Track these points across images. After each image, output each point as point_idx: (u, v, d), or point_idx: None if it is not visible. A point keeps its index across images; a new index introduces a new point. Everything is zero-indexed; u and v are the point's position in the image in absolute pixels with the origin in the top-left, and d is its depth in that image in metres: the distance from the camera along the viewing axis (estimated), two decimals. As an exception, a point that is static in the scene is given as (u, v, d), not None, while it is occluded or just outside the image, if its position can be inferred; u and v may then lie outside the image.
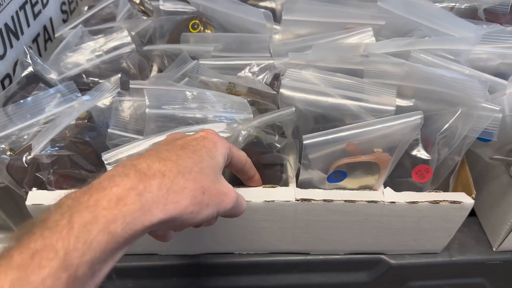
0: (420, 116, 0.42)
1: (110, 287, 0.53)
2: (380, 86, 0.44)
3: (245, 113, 0.45)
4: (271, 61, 0.51)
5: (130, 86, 0.43)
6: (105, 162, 0.38)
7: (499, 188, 0.51)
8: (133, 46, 0.52)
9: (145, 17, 0.62)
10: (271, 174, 0.46)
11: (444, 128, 0.45)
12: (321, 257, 0.53)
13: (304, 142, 0.42)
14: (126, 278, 0.53)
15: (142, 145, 0.38)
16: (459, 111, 0.44)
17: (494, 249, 0.53)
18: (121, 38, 0.51)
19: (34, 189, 0.45)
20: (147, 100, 0.40)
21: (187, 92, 0.42)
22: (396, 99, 0.44)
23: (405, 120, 0.42)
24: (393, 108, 0.43)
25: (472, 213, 0.57)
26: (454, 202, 0.45)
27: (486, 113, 0.43)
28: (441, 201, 0.45)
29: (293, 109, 0.44)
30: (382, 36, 0.54)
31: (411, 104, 0.45)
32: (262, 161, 0.45)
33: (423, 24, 0.50)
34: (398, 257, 0.53)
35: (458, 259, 0.53)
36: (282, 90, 0.45)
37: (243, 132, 0.43)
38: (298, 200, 0.45)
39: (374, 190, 0.46)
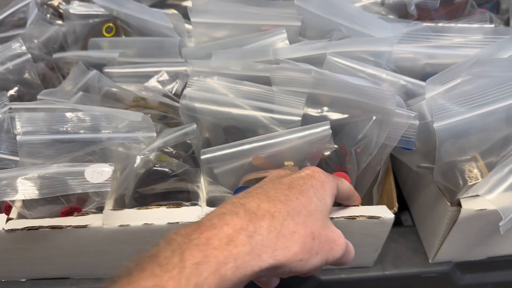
0: (327, 127, 0.39)
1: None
2: (288, 95, 0.41)
3: (147, 131, 0.41)
4: (183, 68, 0.47)
5: (12, 107, 0.39)
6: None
7: (430, 198, 0.48)
8: (29, 56, 0.48)
9: (60, 22, 0.58)
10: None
11: (360, 136, 0.42)
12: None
13: (202, 157, 0.38)
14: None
15: (9, 173, 0.34)
16: (373, 118, 0.40)
17: (430, 261, 0.50)
18: (15, 48, 0.47)
19: None
20: (18, 126, 0.36)
21: (72, 113, 0.38)
22: (303, 108, 0.40)
23: (313, 131, 0.39)
24: (299, 118, 0.40)
25: (412, 222, 0.55)
26: (372, 217, 0.42)
27: (402, 120, 0.40)
28: (357, 216, 0.41)
29: (195, 126, 0.41)
30: (307, 37, 0.51)
31: (324, 112, 0.42)
32: (164, 189, 0.41)
33: (342, 24, 0.46)
34: (328, 272, 0.50)
35: (391, 273, 0.50)
36: (183, 102, 0.41)
37: (139, 157, 0.39)
38: (205, 221, 0.41)
39: (289, 205, 0.43)
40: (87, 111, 0.39)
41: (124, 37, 0.53)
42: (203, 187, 0.44)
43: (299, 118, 0.39)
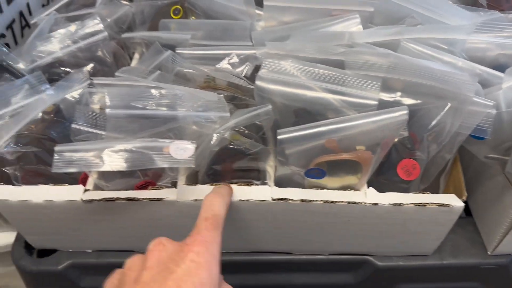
0: (405, 112, 0.39)
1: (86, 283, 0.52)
2: (363, 79, 0.41)
3: (221, 111, 0.42)
4: (252, 51, 0.48)
5: (94, 81, 0.41)
6: (55, 155, 0.35)
7: (495, 189, 0.47)
8: (106, 34, 0.49)
9: (126, 2, 0.59)
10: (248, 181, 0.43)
11: (433, 123, 0.41)
12: (304, 257, 0.51)
13: (278, 137, 0.39)
14: (102, 275, 0.51)
15: (97, 144, 0.36)
16: (448, 106, 0.40)
17: (489, 253, 0.50)
18: (93, 26, 0.49)
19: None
20: (107, 100, 0.37)
21: (154, 90, 0.39)
22: (379, 92, 0.40)
23: (389, 116, 0.39)
24: (376, 102, 0.40)
25: (468, 213, 0.54)
26: (442, 205, 0.42)
27: (478, 109, 0.40)
28: (427, 203, 0.42)
29: (270, 107, 0.41)
30: (375, 23, 0.51)
31: (397, 98, 0.42)
32: (237, 167, 0.42)
33: (415, 11, 0.46)
34: (385, 258, 0.50)
35: (449, 263, 0.50)
36: (257, 82, 0.42)
37: (215, 136, 0.40)
38: (274, 200, 0.42)
39: (357, 190, 0.44)
40: (169, 88, 0.40)
41: (192, 19, 0.54)
42: (273, 167, 0.45)
43: (376, 102, 0.39)
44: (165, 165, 0.36)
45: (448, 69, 0.38)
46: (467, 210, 0.55)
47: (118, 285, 0.31)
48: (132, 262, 0.33)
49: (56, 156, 0.36)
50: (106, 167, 0.36)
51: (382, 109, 0.40)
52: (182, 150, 0.36)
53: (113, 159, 0.36)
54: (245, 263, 0.50)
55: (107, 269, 0.51)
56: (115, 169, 0.36)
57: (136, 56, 0.57)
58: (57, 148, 0.36)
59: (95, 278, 0.51)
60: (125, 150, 0.36)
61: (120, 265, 0.51)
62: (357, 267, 0.51)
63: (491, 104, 0.39)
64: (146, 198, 0.42)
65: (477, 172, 0.51)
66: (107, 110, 0.38)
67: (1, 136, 0.40)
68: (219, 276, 0.32)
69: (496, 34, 0.45)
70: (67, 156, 0.36)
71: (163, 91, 0.39)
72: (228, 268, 0.51)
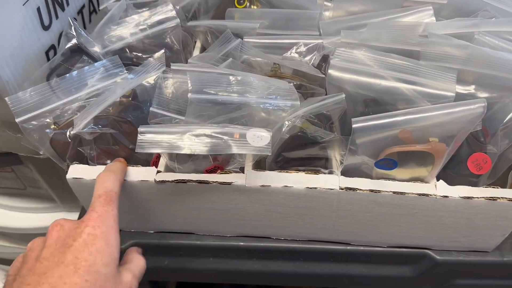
0: (483, 105, 0.38)
1: (147, 263, 0.53)
2: (438, 70, 0.41)
3: (291, 99, 0.42)
4: (320, 41, 0.48)
5: (172, 67, 0.42)
6: (139, 135, 0.37)
7: None
8: (178, 20, 0.50)
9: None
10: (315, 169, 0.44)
11: (508, 118, 0.41)
12: (362, 248, 0.51)
13: (354, 125, 0.39)
14: (163, 255, 0.53)
15: (178, 128, 0.37)
16: (526, 101, 0.40)
17: (551, 251, 0.49)
18: (165, 12, 0.50)
19: (75, 163, 0.45)
20: (189, 84, 0.38)
21: (230, 77, 0.40)
22: (455, 83, 0.40)
23: (466, 108, 0.39)
24: (453, 94, 0.40)
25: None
26: (514, 199, 0.41)
27: (557, 104, 0.39)
28: (499, 198, 0.41)
29: (343, 96, 0.41)
30: (442, 16, 0.50)
31: (472, 90, 0.41)
32: (306, 155, 0.43)
33: (489, 4, 0.45)
34: (444, 253, 0.50)
35: (510, 259, 0.49)
36: (330, 71, 0.42)
37: (287, 123, 0.41)
38: (342, 189, 0.42)
39: (426, 182, 0.43)
40: (243, 76, 0.40)
41: (255, 8, 0.55)
42: (338, 159, 0.45)
43: (453, 94, 0.39)
44: (243, 152, 0.37)
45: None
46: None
47: (20, 266, 0.33)
48: (33, 244, 0.35)
49: (140, 137, 0.37)
50: (186, 150, 0.37)
51: (457, 101, 0.40)
52: (259, 138, 0.37)
53: (193, 142, 0.37)
54: (302, 251, 0.51)
55: (168, 250, 0.53)
56: (195, 153, 0.37)
57: (198, 44, 0.58)
58: (141, 129, 0.37)
59: (156, 258, 0.53)
60: (205, 135, 0.37)
61: (180, 247, 0.53)
62: (415, 260, 0.51)
63: None
64: (216, 182, 0.43)
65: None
66: (189, 95, 0.39)
67: (84, 118, 0.41)
68: (118, 246, 0.35)
69: None
70: (150, 137, 0.37)
71: (239, 77, 0.40)
72: (284, 255, 0.52)
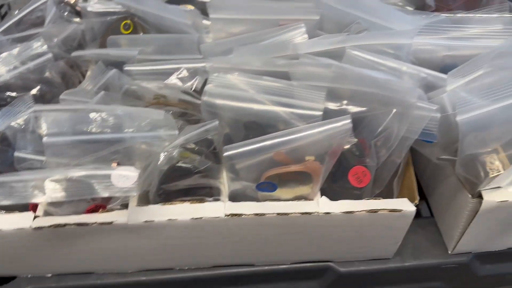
0: (348, 121, 0.39)
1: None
2: (309, 89, 0.41)
3: (169, 129, 0.41)
4: (202, 64, 0.47)
5: (36, 109, 0.40)
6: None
7: (449, 189, 0.48)
8: (50, 55, 0.48)
9: (78, 19, 0.58)
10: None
11: (380, 129, 0.42)
12: (267, 267, 0.50)
13: (225, 153, 0.39)
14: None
15: (36, 174, 0.35)
16: (393, 111, 0.40)
17: (449, 252, 0.51)
18: (37, 47, 0.48)
19: None
20: (44, 128, 0.37)
21: (95, 113, 0.38)
22: (324, 102, 0.40)
23: (333, 126, 0.39)
24: (320, 113, 0.40)
25: (430, 213, 0.55)
26: (393, 210, 0.42)
27: (423, 113, 0.40)
28: (379, 209, 0.42)
29: (217, 123, 0.41)
30: (325, 29, 0.51)
31: (343, 106, 0.42)
32: (187, 185, 0.42)
33: (360, 17, 0.46)
34: (347, 264, 0.50)
35: (411, 264, 0.50)
36: (204, 98, 0.42)
37: (163, 155, 0.40)
38: (228, 216, 0.42)
39: (310, 199, 0.43)
40: (110, 111, 0.39)
41: (142, 34, 0.53)
42: (225, 183, 0.44)
43: (320, 113, 0.40)
44: (106, 195, 0.36)
45: (389, 77, 0.38)
46: (429, 210, 0.55)
47: None
48: None
49: (-6, 187, 0.35)
50: (45, 198, 0.36)
51: (328, 119, 0.40)
52: (125, 178, 0.36)
53: (53, 189, 0.36)
54: (207, 278, 0.50)
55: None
56: (54, 200, 0.35)
57: (89, 74, 0.57)
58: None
59: (56, 302, 0.50)
60: (65, 180, 0.35)
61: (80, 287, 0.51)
62: (320, 274, 0.51)
63: (434, 108, 0.39)
64: (95, 223, 0.41)
65: (434, 173, 0.51)
66: (44, 139, 0.37)
67: None
68: None
69: (441, 36, 0.46)
70: (7, 187, 0.35)
71: (103, 114, 0.38)
72: (190, 284, 0.51)
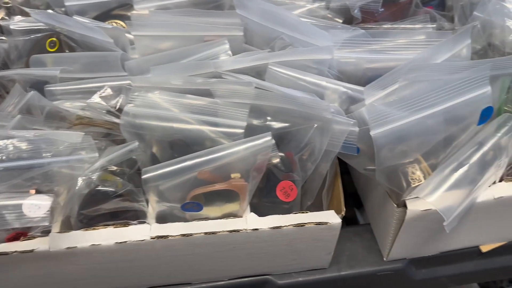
0: (269, 138, 0.39)
1: None
2: (232, 107, 0.41)
3: (89, 151, 0.40)
4: (126, 82, 0.46)
5: None
6: None
7: (379, 198, 0.49)
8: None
9: (2, 37, 0.56)
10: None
11: (303, 143, 0.42)
12: (204, 285, 0.50)
13: (143, 176, 0.38)
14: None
15: None
16: (315, 126, 0.41)
17: (384, 259, 0.51)
18: None
19: None
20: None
21: (6, 140, 0.37)
22: (246, 120, 0.40)
23: (255, 143, 0.39)
24: (242, 130, 0.40)
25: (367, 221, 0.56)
26: (320, 223, 0.42)
27: (341, 127, 0.41)
28: (306, 223, 0.42)
29: (137, 144, 0.40)
30: (254, 44, 0.51)
31: (267, 122, 0.42)
32: (109, 209, 0.41)
33: (284, 33, 0.46)
34: (285, 276, 0.50)
35: (347, 273, 0.51)
36: (125, 118, 0.41)
37: (80, 180, 0.39)
38: (153, 238, 0.41)
39: (239, 216, 0.43)
40: (22, 137, 0.38)
41: (67, 51, 0.52)
42: (152, 204, 0.43)
43: (242, 131, 0.39)
44: (17, 225, 0.34)
45: (305, 95, 0.39)
46: (366, 218, 0.56)
47: None
48: None
49: None
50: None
51: (254, 135, 0.40)
52: (37, 207, 0.35)
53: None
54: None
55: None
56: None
57: (8, 96, 0.54)
58: None
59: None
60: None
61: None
62: (259, 287, 0.51)
63: (352, 122, 0.40)
64: (16, 251, 0.40)
65: (366, 182, 0.52)
66: (-50, 169, 0.35)
67: None
68: None
69: (362, 49, 0.46)
70: None
71: (16, 141, 0.37)
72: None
